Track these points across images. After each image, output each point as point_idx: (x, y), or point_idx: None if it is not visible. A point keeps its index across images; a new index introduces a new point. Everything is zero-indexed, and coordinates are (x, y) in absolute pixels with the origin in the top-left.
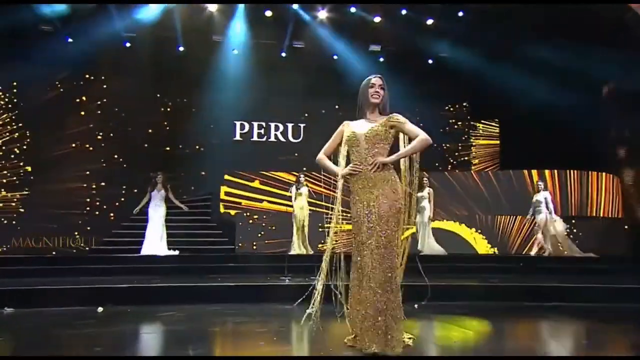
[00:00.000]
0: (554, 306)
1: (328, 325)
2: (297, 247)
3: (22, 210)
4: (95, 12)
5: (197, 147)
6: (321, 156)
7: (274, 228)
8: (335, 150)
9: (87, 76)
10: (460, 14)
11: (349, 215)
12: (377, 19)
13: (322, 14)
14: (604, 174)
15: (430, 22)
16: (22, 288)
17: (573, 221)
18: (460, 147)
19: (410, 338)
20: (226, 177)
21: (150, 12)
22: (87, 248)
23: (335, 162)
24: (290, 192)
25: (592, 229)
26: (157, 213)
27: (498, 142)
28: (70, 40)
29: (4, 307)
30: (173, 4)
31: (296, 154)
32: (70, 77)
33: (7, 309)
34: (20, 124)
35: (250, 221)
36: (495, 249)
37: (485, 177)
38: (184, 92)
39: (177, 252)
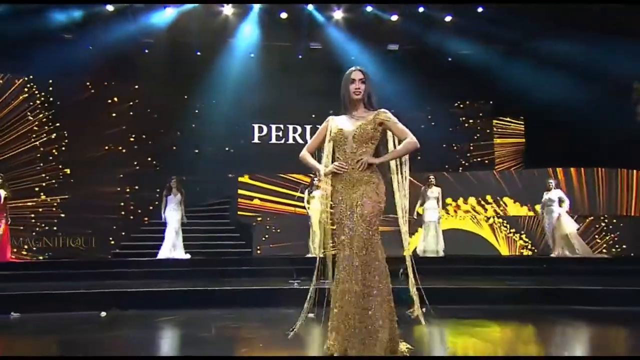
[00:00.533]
0: (570, 309)
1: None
2: (313, 250)
3: (62, 215)
4: (112, 17)
5: (227, 148)
6: (304, 153)
7: (279, 231)
8: (319, 146)
9: (117, 78)
10: (480, 9)
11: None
12: (394, 17)
13: (338, 14)
14: (634, 171)
15: (448, 18)
16: (29, 293)
17: (600, 219)
18: (472, 147)
19: (408, 348)
20: (240, 179)
21: (166, 16)
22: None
23: (320, 159)
24: (301, 192)
25: (623, 228)
26: (173, 217)
27: (523, 140)
28: (90, 47)
29: (10, 312)
30: (189, 6)
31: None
32: (99, 79)
33: (13, 314)
34: (58, 124)
35: (254, 223)
36: (524, 235)
37: (507, 176)
38: (207, 94)
39: (188, 256)
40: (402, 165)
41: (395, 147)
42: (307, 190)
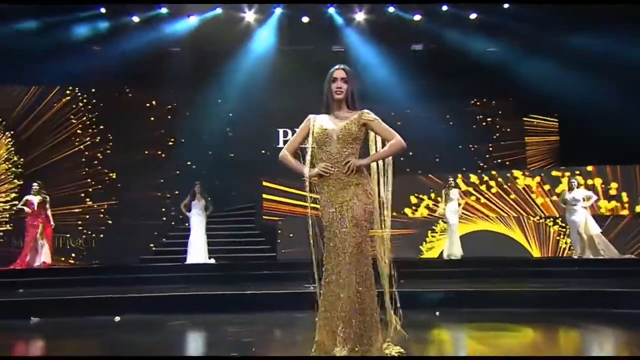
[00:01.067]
0: (596, 313)
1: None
2: None
3: (110, 222)
4: (137, 27)
5: (263, 151)
6: (284, 153)
7: (291, 235)
8: (299, 146)
9: (153, 82)
10: (506, 6)
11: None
12: (417, 17)
13: (360, 15)
14: None
15: (473, 16)
16: (49, 298)
17: None
18: (491, 147)
19: (399, 352)
20: (264, 183)
21: (191, 24)
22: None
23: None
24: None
25: None
26: (197, 222)
27: (556, 138)
28: (122, 54)
29: (30, 317)
30: (210, 13)
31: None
32: (137, 84)
33: (33, 318)
34: (102, 127)
35: (278, 225)
36: (559, 220)
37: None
38: (238, 99)
39: (213, 261)
40: (387, 166)
41: (376, 148)
42: None
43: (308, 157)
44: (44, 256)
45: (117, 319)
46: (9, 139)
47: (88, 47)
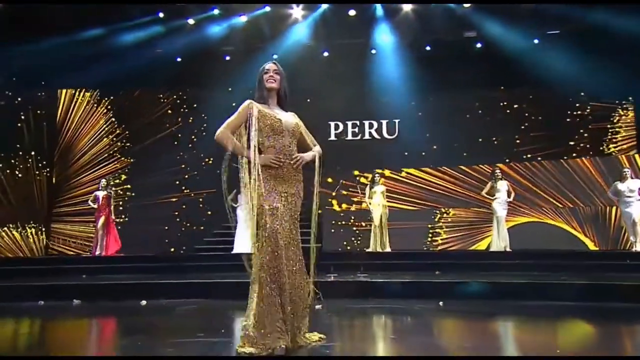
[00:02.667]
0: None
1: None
2: (373, 245)
3: (209, 212)
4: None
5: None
6: (226, 133)
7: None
8: (236, 130)
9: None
10: None
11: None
12: (467, 4)
13: (407, 6)
14: None
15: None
16: (88, 283)
17: None
18: (517, 139)
19: (320, 338)
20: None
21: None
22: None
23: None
24: (359, 189)
25: None
26: (243, 213)
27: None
28: (179, 59)
29: (73, 299)
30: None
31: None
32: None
33: (75, 300)
34: (195, 105)
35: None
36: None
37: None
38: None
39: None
40: (321, 165)
41: (248, 144)
42: (367, 186)
43: (252, 144)
44: (103, 247)
45: (144, 302)
46: (107, 107)
47: (150, 48)
